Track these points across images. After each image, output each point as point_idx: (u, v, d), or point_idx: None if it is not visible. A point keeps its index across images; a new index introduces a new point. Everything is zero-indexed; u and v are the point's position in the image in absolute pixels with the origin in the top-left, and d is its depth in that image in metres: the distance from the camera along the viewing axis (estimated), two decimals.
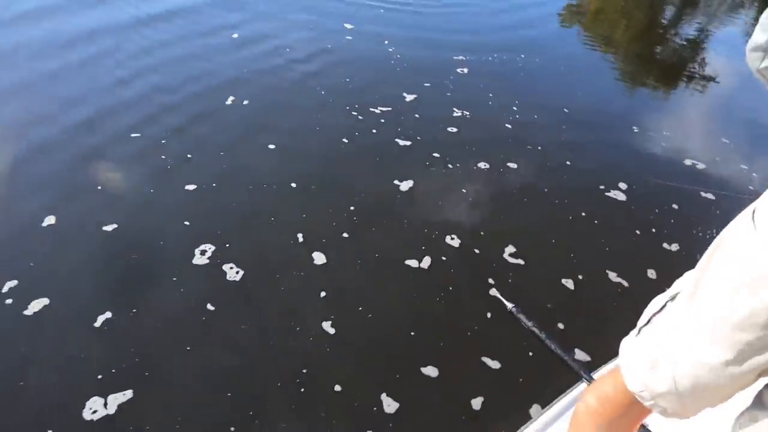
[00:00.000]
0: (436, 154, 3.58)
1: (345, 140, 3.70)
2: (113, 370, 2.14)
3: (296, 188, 3.21)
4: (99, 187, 3.07)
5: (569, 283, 2.63)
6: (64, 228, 2.80)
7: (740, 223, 0.84)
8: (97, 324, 2.31)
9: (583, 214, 3.11)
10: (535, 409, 2.05)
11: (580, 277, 2.67)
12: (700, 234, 2.98)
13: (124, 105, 3.91)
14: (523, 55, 5.17)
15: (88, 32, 4.93)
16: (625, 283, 2.66)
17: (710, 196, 3.30)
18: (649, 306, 1.03)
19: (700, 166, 3.61)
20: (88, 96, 3.99)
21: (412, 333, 2.35)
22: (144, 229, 2.85)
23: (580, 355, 2.25)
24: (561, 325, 2.40)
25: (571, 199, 3.23)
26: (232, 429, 1.98)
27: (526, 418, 1.79)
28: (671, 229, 3.02)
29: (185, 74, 4.43)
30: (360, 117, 3.98)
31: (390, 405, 2.06)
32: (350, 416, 2.03)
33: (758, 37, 0.84)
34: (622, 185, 3.34)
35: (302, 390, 2.10)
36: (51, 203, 2.93)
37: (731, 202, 3.23)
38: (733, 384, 0.84)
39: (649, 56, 5.91)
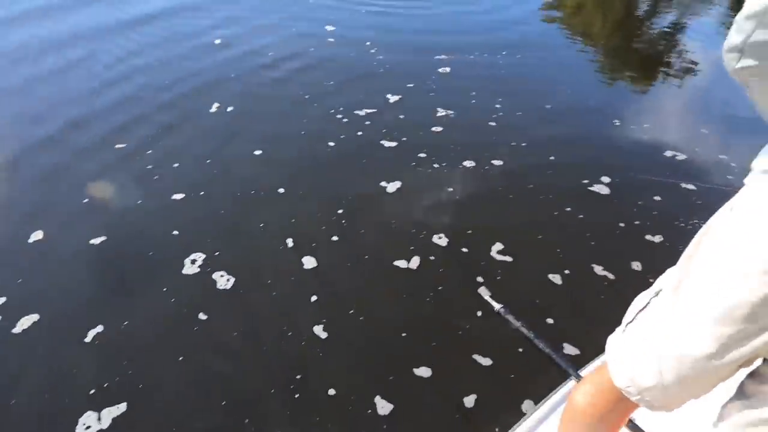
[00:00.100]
0: (421, 155, 3.61)
1: (331, 143, 3.71)
2: (106, 384, 2.14)
3: (284, 193, 3.22)
4: (85, 200, 3.06)
5: (557, 279, 2.67)
6: (52, 243, 2.79)
7: (718, 220, 0.87)
8: (88, 338, 2.31)
9: (568, 209, 3.15)
10: (527, 404, 2.08)
11: (567, 272, 2.71)
12: (682, 225, 3.03)
13: (108, 115, 3.90)
14: (504, 53, 5.22)
15: (68, 37, 4.90)
16: (611, 276, 2.70)
17: (691, 186, 3.36)
18: (634, 303, 1.06)
19: (680, 157, 3.67)
20: (69, 105, 3.96)
21: (404, 334, 2.37)
22: (133, 240, 2.85)
23: (570, 349, 2.29)
24: (550, 320, 2.43)
25: (555, 195, 3.27)
26: None
27: (519, 415, 1.82)
28: (654, 221, 3.07)
29: (169, 83, 4.42)
30: (345, 120, 4.00)
31: (384, 407, 2.08)
32: (344, 419, 2.05)
33: (734, 38, 0.87)
34: (605, 179, 3.39)
35: (296, 395, 2.11)
36: (37, 218, 2.92)
37: (711, 192, 3.29)
38: (717, 375, 0.88)
39: (628, 50, 5.99)
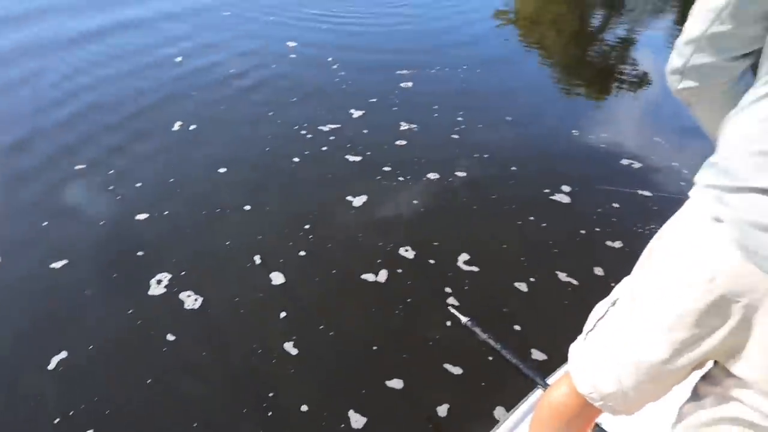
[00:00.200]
0: (386, 168, 3.65)
1: (296, 159, 3.72)
2: (71, 412, 2.08)
3: (250, 210, 3.21)
4: (45, 223, 2.99)
5: (522, 286, 2.73)
6: (10, 268, 2.71)
7: (665, 231, 0.93)
8: (51, 365, 2.25)
9: (531, 218, 3.23)
10: (499, 411, 2.11)
11: (532, 279, 2.78)
12: (640, 231, 3.15)
13: (58, 135, 3.82)
14: (465, 67, 5.33)
15: (11, 54, 4.79)
16: (575, 282, 2.77)
17: (647, 193, 3.49)
18: (594, 311, 1.12)
19: (636, 165, 3.81)
20: (14, 125, 3.87)
21: (374, 347, 2.39)
22: (95, 262, 2.79)
23: (538, 355, 2.34)
24: (517, 327, 2.49)
25: (518, 205, 3.35)
26: None
27: (492, 422, 1.86)
28: (613, 227, 3.18)
29: (130, 103, 4.36)
30: (309, 135, 4.02)
31: (357, 420, 2.09)
32: None
33: (675, 61, 0.94)
34: (566, 188, 3.49)
35: (269, 413, 2.10)
36: None
37: (666, 200, 3.42)
38: (672, 379, 0.93)
39: (583, 62, 6.19)
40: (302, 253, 2.90)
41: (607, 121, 4.53)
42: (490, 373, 2.26)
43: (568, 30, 7.21)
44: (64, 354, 2.29)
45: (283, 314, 2.53)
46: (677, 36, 0.94)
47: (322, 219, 3.16)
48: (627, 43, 6.61)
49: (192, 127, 4.04)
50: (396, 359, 2.34)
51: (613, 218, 3.25)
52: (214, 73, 4.95)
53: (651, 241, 0.95)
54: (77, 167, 3.47)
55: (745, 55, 0.86)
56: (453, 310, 2.10)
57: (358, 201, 3.32)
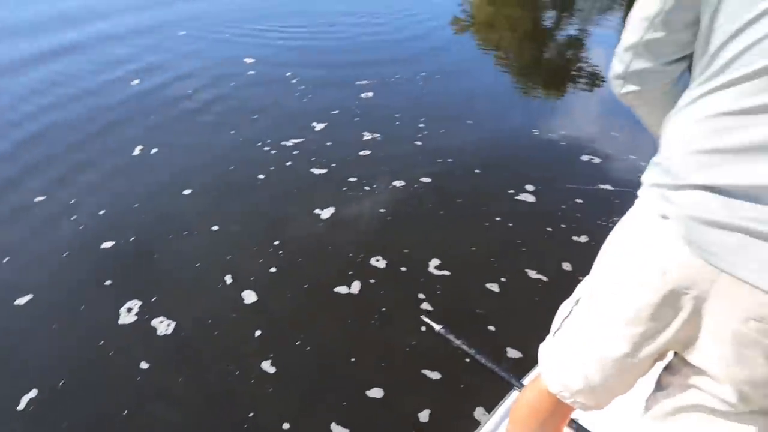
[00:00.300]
0: (352, 179, 3.66)
1: (261, 176, 3.71)
2: None
3: (219, 230, 3.18)
4: (5, 260, 2.91)
5: (494, 287, 2.78)
6: None
7: (618, 229, 0.97)
8: (21, 406, 2.18)
9: (498, 218, 3.29)
10: (479, 412, 2.14)
11: (503, 279, 2.82)
12: (604, 224, 3.23)
13: (19, 166, 3.73)
14: (423, 74, 5.40)
15: None
16: (545, 279, 2.83)
17: (608, 187, 3.59)
18: (559, 310, 1.15)
19: (596, 161, 3.91)
20: None
21: (352, 359, 2.39)
22: (61, 296, 2.73)
23: (513, 353, 2.38)
24: (492, 328, 2.52)
25: (484, 206, 3.40)
26: None
27: (473, 423, 1.89)
28: (578, 222, 3.26)
29: (89, 127, 4.29)
30: (273, 151, 4.01)
31: None
32: None
33: (616, 67, 0.99)
34: (529, 187, 3.56)
35: None
36: None
37: (625, 193, 3.52)
38: (635, 372, 0.97)
39: (539, 62, 6.33)
40: (273, 269, 2.89)
41: (566, 119, 4.64)
42: (469, 376, 2.29)
43: (523, 32, 7.37)
44: (33, 392, 2.23)
45: (258, 332, 2.52)
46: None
47: (291, 234, 3.16)
48: (579, 42, 6.80)
49: (153, 151, 3.98)
50: (374, 369, 2.35)
51: (578, 214, 3.33)
52: (172, 94, 4.90)
53: (608, 237, 0.99)
54: (36, 199, 3.38)
55: (680, 59, 0.91)
56: (426, 319, 2.12)
57: (326, 213, 3.32)
